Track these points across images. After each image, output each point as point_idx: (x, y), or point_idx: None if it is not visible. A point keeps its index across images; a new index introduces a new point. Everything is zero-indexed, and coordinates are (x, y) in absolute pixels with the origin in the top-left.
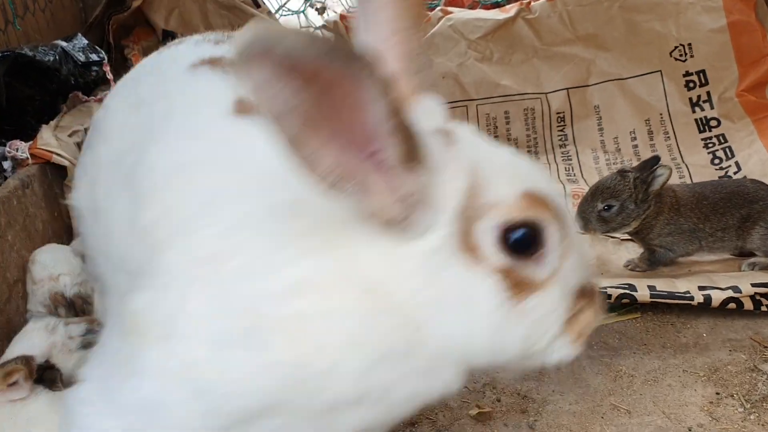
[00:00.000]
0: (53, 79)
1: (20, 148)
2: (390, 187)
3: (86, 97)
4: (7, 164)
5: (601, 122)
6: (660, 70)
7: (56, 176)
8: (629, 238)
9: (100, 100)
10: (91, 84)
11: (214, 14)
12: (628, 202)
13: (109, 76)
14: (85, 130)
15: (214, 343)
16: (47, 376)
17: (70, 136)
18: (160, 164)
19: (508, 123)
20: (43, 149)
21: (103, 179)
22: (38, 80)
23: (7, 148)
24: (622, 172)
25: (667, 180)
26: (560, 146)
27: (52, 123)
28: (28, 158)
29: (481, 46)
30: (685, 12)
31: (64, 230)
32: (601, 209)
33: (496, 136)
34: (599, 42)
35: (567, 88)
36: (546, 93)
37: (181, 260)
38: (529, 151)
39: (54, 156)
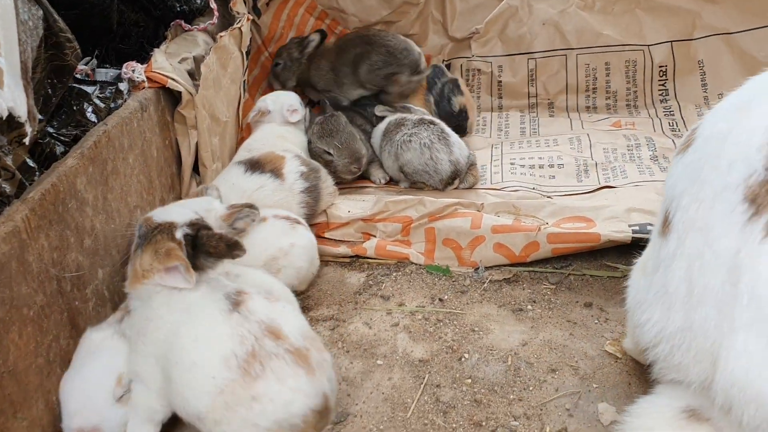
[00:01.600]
0: (158, 5)
1: (137, 70)
2: None
3: (189, 26)
4: (123, 86)
5: (705, 77)
6: None
7: (168, 102)
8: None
9: (204, 30)
10: (195, 12)
11: None
12: (287, 59)
13: (213, 5)
14: (194, 58)
15: None
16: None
17: (180, 62)
18: None
19: (608, 75)
20: (159, 73)
21: None
22: (143, 4)
23: (124, 69)
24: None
25: (317, 44)
26: (661, 101)
27: (162, 48)
28: (144, 81)
29: None
30: None
31: (174, 159)
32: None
33: (594, 88)
34: None
35: (671, 41)
36: (648, 45)
37: None
38: (627, 105)
39: (170, 81)
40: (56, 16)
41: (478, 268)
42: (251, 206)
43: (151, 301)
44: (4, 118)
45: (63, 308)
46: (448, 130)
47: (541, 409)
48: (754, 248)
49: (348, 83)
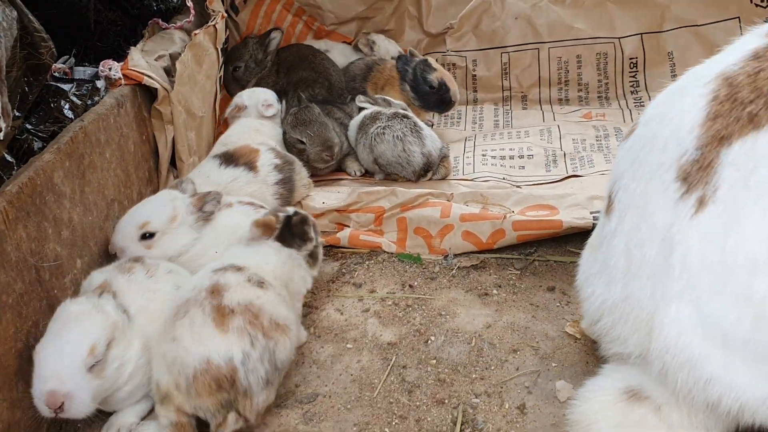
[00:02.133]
0: (136, 4)
1: (113, 68)
2: None
3: (166, 24)
4: (100, 83)
5: (674, 69)
6: (738, 17)
7: (145, 99)
8: None
9: (181, 28)
10: (172, 11)
11: None
12: (250, 62)
13: (189, 3)
14: (170, 55)
15: None
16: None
17: (156, 60)
18: None
19: (579, 67)
20: (135, 70)
21: None
22: (120, 4)
23: (101, 67)
24: (244, 39)
25: (279, 42)
26: (632, 92)
27: (139, 46)
28: (120, 78)
29: None
30: None
31: (151, 154)
32: (231, 71)
33: (566, 81)
34: None
35: (641, 34)
36: (619, 38)
37: None
38: (599, 97)
39: (146, 78)
40: (31, 16)
41: (447, 256)
42: (215, 192)
43: None
44: None
45: (42, 296)
46: (421, 124)
47: (502, 387)
48: (685, 223)
49: (290, 100)
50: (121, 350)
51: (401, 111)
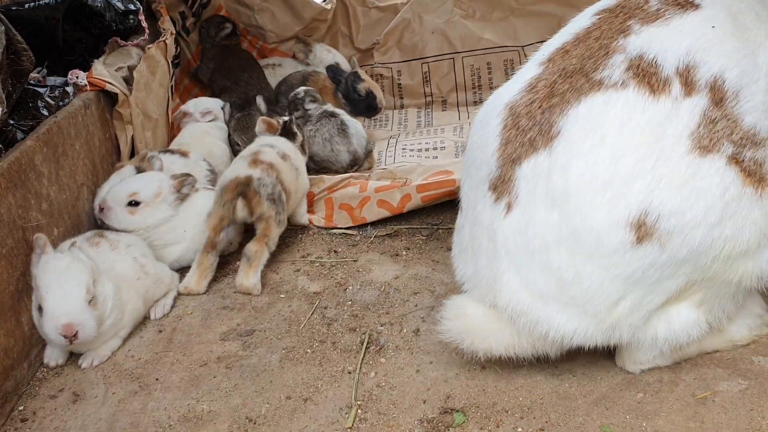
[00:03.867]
0: (98, 25)
1: (80, 76)
2: None
3: (123, 42)
4: (69, 89)
5: None
6: None
7: (107, 103)
8: None
9: (137, 45)
10: (129, 30)
11: None
12: (204, 30)
13: (144, 24)
14: (128, 67)
15: None
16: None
17: (116, 71)
18: None
19: (490, 73)
20: (98, 78)
21: None
22: (85, 25)
23: (70, 75)
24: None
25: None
26: None
27: (101, 59)
28: (86, 85)
29: (465, 4)
30: None
31: (113, 150)
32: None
33: (479, 85)
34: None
35: (541, 41)
36: (523, 46)
37: None
38: None
39: (107, 85)
40: (14, 30)
41: (366, 225)
42: (192, 177)
43: None
44: None
45: (27, 252)
46: (348, 122)
47: (402, 318)
48: (501, 221)
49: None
50: (102, 288)
51: (329, 109)
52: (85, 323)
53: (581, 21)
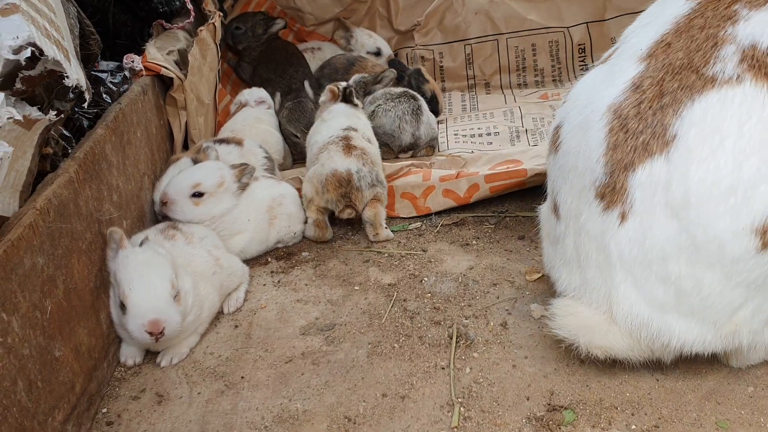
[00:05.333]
0: (144, 7)
1: (136, 61)
2: None
3: (169, 25)
4: (126, 74)
5: None
6: None
7: (161, 88)
8: None
9: (182, 28)
10: (174, 13)
11: None
12: (249, 30)
13: (189, 6)
14: (178, 50)
15: None
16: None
17: (167, 55)
18: None
19: (534, 55)
20: (154, 63)
21: None
22: (131, 7)
23: (125, 60)
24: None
25: (279, 30)
26: (582, 74)
27: (151, 43)
28: (142, 70)
29: None
30: None
31: (167, 137)
32: (233, 27)
33: (524, 67)
34: None
35: (586, 23)
36: (568, 27)
37: None
38: (554, 80)
39: (163, 69)
40: (82, 13)
41: (431, 215)
42: (251, 166)
43: None
44: (74, 87)
45: (102, 246)
46: (425, 109)
47: (486, 311)
48: (614, 231)
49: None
50: (183, 282)
51: (411, 92)
52: (171, 319)
53: (676, 6)
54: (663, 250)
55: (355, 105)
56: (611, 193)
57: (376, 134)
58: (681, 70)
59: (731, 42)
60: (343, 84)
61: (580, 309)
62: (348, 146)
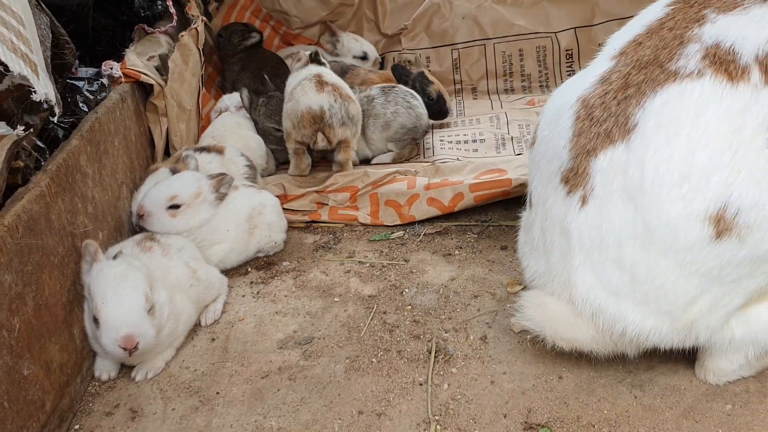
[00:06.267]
0: (125, 11)
1: (114, 67)
2: None
3: (151, 29)
4: (104, 81)
5: None
6: None
7: (141, 95)
8: None
9: (165, 32)
10: (156, 17)
11: None
12: (227, 38)
13: (172, 10)
14: (159, 56)
15: None
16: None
17: (147, 60)
18: None
19: (522, 60)
20: (133, 69)
21: None
22: (112, 11)
23: (104, 67)
24: (239, 23)
25: (253, 43)
26: None
27: (132, 48)
28: (121, 76)
29: None
30: None
31: (148, 144)
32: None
33: (511, 73)
34: None
35: (574, 28)
36: (555, 32)
37: None
38: (540, 86)
39: (142, 76)
40: (56, 22)
41: (414, 223)
42: (229, 176)
43: None
44: (42, 101)
45: (76, 260)
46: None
47: (467, 324)
48: (575, 214)
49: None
50: (158, 295)
51: (386, 84)
52: (145, 333)
53: (653, 12)
54: (619, 234)
55: (323, 64)
56: (574, 177)
57: (400, 137)
58: (647, 65)
59: (696, 41)
60: (309, 50)
61: (547, 300)
62: (320, 82)
